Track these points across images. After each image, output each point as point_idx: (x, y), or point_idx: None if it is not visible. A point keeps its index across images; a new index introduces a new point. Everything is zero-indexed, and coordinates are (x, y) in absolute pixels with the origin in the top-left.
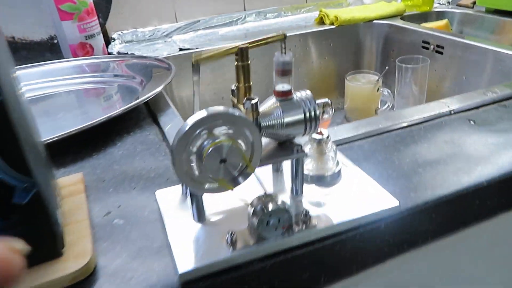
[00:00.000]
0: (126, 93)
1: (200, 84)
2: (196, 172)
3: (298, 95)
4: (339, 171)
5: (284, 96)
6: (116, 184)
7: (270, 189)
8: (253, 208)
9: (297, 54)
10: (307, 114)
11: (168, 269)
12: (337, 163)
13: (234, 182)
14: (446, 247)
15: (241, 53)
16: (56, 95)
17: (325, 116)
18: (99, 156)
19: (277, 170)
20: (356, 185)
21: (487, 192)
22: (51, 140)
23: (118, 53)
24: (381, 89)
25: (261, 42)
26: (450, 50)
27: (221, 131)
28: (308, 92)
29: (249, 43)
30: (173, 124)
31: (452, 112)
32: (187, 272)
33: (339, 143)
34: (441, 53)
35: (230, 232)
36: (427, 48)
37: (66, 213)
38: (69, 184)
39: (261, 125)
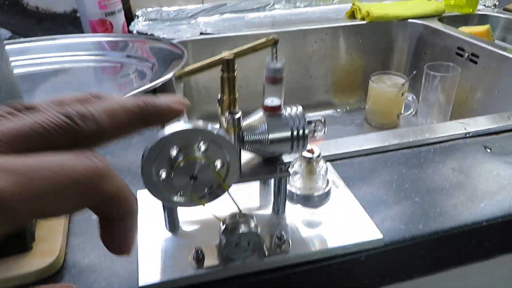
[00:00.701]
0: (135, 76)
1: (215, 70)
2: (166, 185)
3: (288, 111)
4: (328, 192)
5: (272, 112)
6: None
7: (255, 202)
8: (224, 227)
9: (323, 48)
10: (295, 132)
11: (132, 277)
12: (327, 183)
13: (207, 198)
14: (434, 284)
15: (227, 64)
16: (66, 70)
17: (318, 134)
18: None
19: (264, 183)
20: (342, 210)
21: (487, 233)
22: None
23: (138, 32)
24: (406, 94)
25: (249, 50)
26: (485, 60)
27: (196, 146)
28: (300, 108)
29: (236, 53)
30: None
31: (469, 135)
32: (147, 286)
33: (338, 158)
34: (475, 62)
35: (196, 250)
36: (461, 55)
37: None
38: None
39: (245, 139)
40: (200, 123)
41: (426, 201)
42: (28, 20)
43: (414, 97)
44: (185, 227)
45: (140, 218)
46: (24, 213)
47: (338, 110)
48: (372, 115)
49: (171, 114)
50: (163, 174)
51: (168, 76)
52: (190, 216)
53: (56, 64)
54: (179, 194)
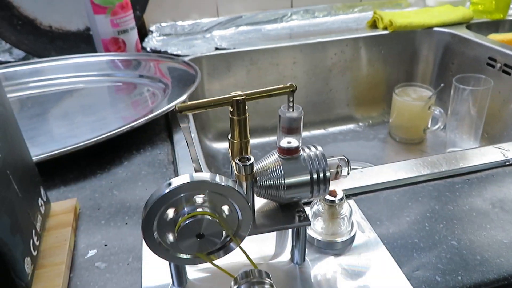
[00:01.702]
0: (147, 99)
1: (230, 80)
2: (170, 241)
3: (307, 151)
4: (353, 238)
5: (289, 155)
6: (110, 215)
7: (271, 249)
8: (236, 286)
9: (344, 60)
10: (315, 176)
11: None
12: (352, 226)
13: (216, 254)
14: None
15: (237, 106)
16: (78, 90)
17: (341, 176)
18: (102, 176)
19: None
20: (369, 260)
21: None
22: (57, 154)
23: (151, 49)
24: (433, 108)
25: (262, 94)
26: None
27: (203, 199)
28: (319, 148)
29: (247, 94)
30: (185, 145)
31: (508, 163)
32: None
33: (362, 191)
34: (509, 73)
35: None
36: (493, 66)
37: (46, 251)
38: (61, 212)
39: (259, 184)
40: (207, 174)
41: (464, 245)
42: (41, 40)
43: (442, 111)
44: (195, 280)
45: (145, 271)
46: None
47: (360, 124)
48: (397, 130)
49: None
50: (167, 234)
51: (181, 99)
52: (200, 266)
53: (69, 84)
54: (186, 252)
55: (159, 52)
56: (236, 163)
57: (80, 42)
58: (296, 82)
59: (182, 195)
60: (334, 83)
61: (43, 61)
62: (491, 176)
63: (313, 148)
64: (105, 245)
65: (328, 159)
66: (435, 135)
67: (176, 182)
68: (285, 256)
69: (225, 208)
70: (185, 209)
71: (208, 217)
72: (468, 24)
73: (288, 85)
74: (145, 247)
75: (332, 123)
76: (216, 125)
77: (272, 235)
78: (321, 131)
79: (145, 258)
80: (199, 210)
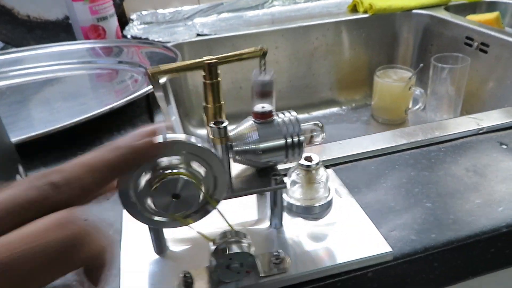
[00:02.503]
0: (128, 83)
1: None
2: (147, 203)
3: (281, 116)
4: (330, 202)
5: (263, 119)
6: None
7: (252, 216)
8: (214, 247)
9: (326, 44)
10: (289, 140)
11: None
12: (329, 191)
13: (193, 217)
14: None
15: (209, 70)
16: (58, 79)
17: (316, 140)
18: None
19: (261, 194)
20: (346, 222)
21: (507, 240)
22: (36, 135)
23: (132, 37)
24: (414, 88)
25: (234, 58)
26: (496, 50)
27: (178, 161)
28: (293, 113)
29: (219, 58)
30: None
31: (482, 131)
32: None
33: (341, 161)
34: (486, 52)
35: (184, 273)
36: (470, 45)
37: None
38: None
39: (234, 149)
40: (182, 135)
41: (438, 207)
42: (19, 29)
43: (423, 91)
44: (174, 247)
45: (125, 239)
46: None
47: (343, 107)
48: (379, 112)
49: (154, 151)
50: (144, 197)
51: (161, 81)
52: (179, 235)
53: (49, 73)
54: (161, 213)
55: (139, 39)
56: (210, 127)
57: (60, 31)
58: (278, 67)
59: (157, 155)
60: (317, 67)
61: (22, 50)
62: (466, 143)
63: (287, 113)
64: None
65: (302, 124)
66: (416, 115)
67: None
68: (265, 223)
69: (201, 170)
70: (161, 170)
71: (184, 177)
72: (446, 6)
73: (259, 48)
74: (124, 218)
75: (315, 107)
76: (200, 112)
77: (252, 205)
78: (304, 115)
79: (125, 230)
80: (175, 171)
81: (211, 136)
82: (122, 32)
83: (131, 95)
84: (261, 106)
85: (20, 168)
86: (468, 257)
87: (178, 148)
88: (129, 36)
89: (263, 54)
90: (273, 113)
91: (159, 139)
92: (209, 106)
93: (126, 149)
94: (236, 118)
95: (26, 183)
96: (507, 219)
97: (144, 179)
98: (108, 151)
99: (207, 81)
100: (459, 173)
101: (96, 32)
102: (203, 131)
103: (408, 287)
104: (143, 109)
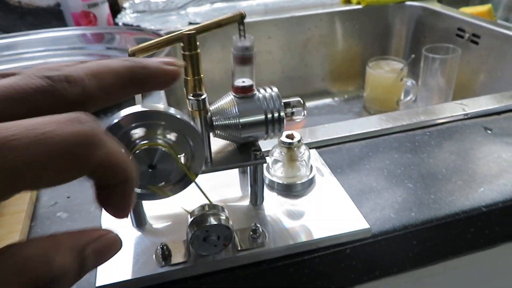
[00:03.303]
0: None
1: (205, 63)
2: None
3: (262, 92)
4: (311, 180)
5: (243, 93)
6: None
7: (235, 193)
8: (191, 220)
9: (319, 34)
10: (269, 116)
11: (91, 277)
12: (311, 170)
13: (172, 189)
14: (429, 276)
15: (188, 41)
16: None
17: (297, 117)
18: None
19: (243, 172)
20: (326, 200)
21: (486, 219)
22: None
23: (124, 24)
24: (405, 79)
25: (213, 25)
26: (487, 41)
27: (155, 131)
28: (275, 89)
29: (196, 28)
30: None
31: (467, 116)
32: (104, 286)
33: (326, 144)
34: (477, 43)
35: (162, 246)
36: (462, 37)
37: (6, 202)
38: None
39: (215, 124)
40: (160, 106)
41: (419, 187)
42: (10, 16)
43: (414, 82)
44: (154, 222)
45: (105, 214)
46: (4, 186)
47: (336, 98)
48: (371, 103)
49: (165, 77)
50: None
51: None
52: (159, 209)
53: (40, 59)
54: (140, 185)
55: (131, 26)
56: (189, 99)
57: (51, 18)
58: (271, 58)
59: (133, 125)
60: (310, 58)
61: (13, 35)
62: (451, 128)
63: (268, 89)
64: (68, 197)
65: (283, 100)
66: (407, 106)
67: (126, 111)
68: (246, 200)
69: (179, 142)
70: (137, 141)
71: (160, 147)
72: None
73: (237, 13)
74: None
75: (308, 97)
76: None
77: (236, 182)
78: None
79: None
80: (151, 141)
81: (189, 109)
82: (114, 20)
83: None
84: (242, 81)
85: None
86: (447, 236)
87: (156, 117)
88: (120, 24)
89: (241, 19)
90: (254, 87)
91: (137, 108)
92: (188, 78)
93: (135, 63)
94: None
95: (34, 71)
96: (487, 199)
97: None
98: (114, 61)
99: (186, 53)
100: (442, 156)
101: (87, 18)
102: None
103: (386, 265)
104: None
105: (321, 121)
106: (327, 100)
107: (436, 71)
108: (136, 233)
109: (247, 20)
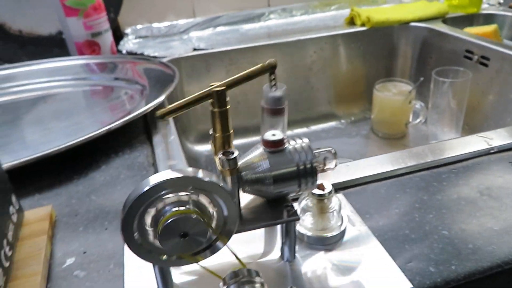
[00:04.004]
0: (124, 101)
1: (211, 82)
2: (153, 242)
3: (292, 143)
4: (343, 232)
5: (274, 147)
6: (89, 220)
7: (260, 248)
8: (225, 287)
9: (323, 57)
10: (301, 168)
11: None
12: (342, 220)
13: (203, 254)
14: None
15: (217, 98)
16: (52, 96)
17: (328, 168)
18: (79, 181)
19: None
20: (361, 253)
21: None
22: (29, 160)
23: (127, 52)
24: (414, 102)
25: (243, 78)
26: (496, 63)
27: (186, 196)
28: (305, 140)
29: (227, 84)
30: (165, 146)
31: (493, 151)
32: None
33: (350, 185)
34: (486, 65)
35: None
36: (470, 59)
37: (19, 262)
38: (35, 221)
39: (244, 179)
40: (189, 170)
41: (455, 235)
42: (11, 45)
43: (423, 104)
44: (180, 283)
45: (128, 274)
46: None
47: (342, 121)
48: (379, 126)
49: None
50: (148, 234)
51: (159, 100)
52: (185, 269)
53: (42, 90)
54: (169, 253)
55: (135, 54)
56: (219, 158)
57: (53, 46)
58: (277, 81)
59: (162, 192)
60: (315, 81)
61: (14, 66)
62: (477, 164)
63: (298, 140)
64: (84, 253)
65: (314, 151)
66: (416, 129)
67: (155, 179)
68: (275, 254)
69: (210, 205)
70: (167, 207)
71: (192, 215)
72: (444, 19)
73: (267, 63)
74: (126, 252)
75: (314, 121)
76: (197, 127)
77: (261, 235)
78: (303, 130)
79: (127, 263)
80: (182, 208)
81: (220, 168)
82: (117, 46)
83: (128, 113)
84: (272, 134)
85: (13, 198)
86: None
87: (185, 183)
88: (124, 51)
89: (272, 68)
90: (285, 141)
91: (166, 175)
92: (217, 135)
93: None
94: (235, 133)
95: None
96: None
97: (149, 216)
98: None
99: (216, 109)
100: (473, 196)
101: (90, 47)
102: (201, 147)
103: None
104: (140, 130)
105: (329, 144)
106: (334, 123)
107: (446, 94)
108: None
109: (250, 44)
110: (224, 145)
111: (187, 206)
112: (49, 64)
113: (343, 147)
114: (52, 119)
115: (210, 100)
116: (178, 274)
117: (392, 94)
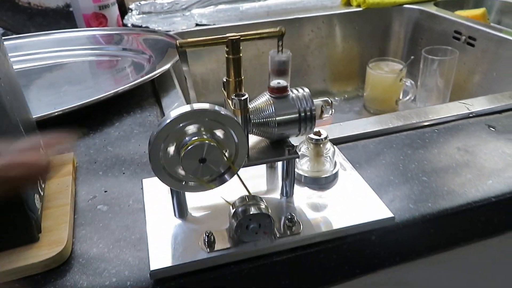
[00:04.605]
0: (132, 69)
1: (212, 63)
2: (174, 169)
3: (295, 92)
4: (336, 174)
5: (279, 93)
6: (107, 167)
7: (263, 186)
8: (234, 210)
9: (320, 36)
10: (302, 114)
11: (142, 264)
12: (335, 165)
13: (216, 182)
14: (443, 261)
15: (232, 45)
16: (62, 65)
17: (325, 116)
18: (95, 135)
19: (271, 167)
20: (351, 192)
21: (495, 209)
22: (47, 117)
23: (133, 25)
24: (404, 80)
25: (255, 36)
26: (482, 43)
27: (203, 128)
28: (306, 90)
29: (241, 35)
30: (175, 106)
31: (472, 115)
32: (159, 270)
33: (343, 141)
34: (473, 45)
35: (207, 233)
36: (458, 39)
37: (49, 196)
38: (59, 164)
39: (252, 122)
40: (206, 105)
41: (433, 180)
42: (20, 16)
43: (413, 82)
44: (194, 212)
45: (148, 206)
46: None
47: (336, 98)
48: (371, 102)
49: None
50: (172, 160)
51: (166, 67)
52: (198, 201)
53: (51, 59)
54: (188, 178)
55: (140, 27)
56: (232, 99)
57: (60, 18)
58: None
59: (183, 123)
60: (311, 59)
61: (24, 36)
62: (457, 126)
63: (300, 90)
64: (105, 191)
65: (314, 100)
66: (406, 106)
67: (176, 112)
68: (276, 193)
69: (224, 137)
70: (187, 138)
71: (209, 142)
72: (436, 2)
73: (278, 29)
74: (145, 187)
75: None
76: (199, 100)
77: (263, 175)
78: None
79: (146, 197)
80: (201, 137)
81: (232, 108)
82: (122, 21)
83: (136, 78)
84: (277, 82)
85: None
86: (461, 225)
87: (203, 115)
88: (129, 25)
89: (281, 35)
90: (288, 88)
91: (186, 108)
92: (230, 80)
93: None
94: None
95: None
96: (496, 191)
97: (173, 145)
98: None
99: (230, 56)
100: (452, 152)
101: (98, 20)
102: None
103: (406, 252)
104: (149, 94)
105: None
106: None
107: (435, 72)
108: (180, 223)
109: (250, 21)
110: (236, 89)
111: (205, 136)
112: (58, 35)
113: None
114: (64, 84)
115: (226, 48)
116: (192, 208)
117: (384, 72)
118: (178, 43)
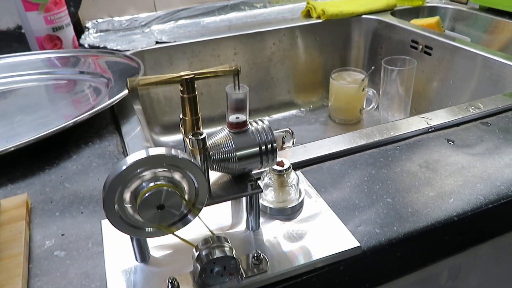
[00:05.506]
0: (90, 93)
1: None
2: (131, 216)
3: (254, 125)
4: (301, 203)
5: (238, 128)
6: (64, 206)
7: (228, 220)
8: (198, 253)
9: (282, 48)
10: (263, 147)
11: None
12: (300, 193)
13: (177, 225)
14: (411, 283)
15: (186, 84)
16: (14, 91)
17: (286, 146)
18: (51, 171)
19: (236, 200)
20: (317, 221)
21: (458, 227)
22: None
23: (90, 46)
24: (366, 89)
25: (210, 74)
26: (438, 52)
27: (161, 173)
28: (266, 122)
29: (196, 74)
30: (135, 134)
31: (431, 129)
32: None
33: (307, 163)
34: (430, 54)
35: (170, 279)
36: (416, 48)
37: (1, 245)
38: (11, 208)
39: (212, 158)
40: (163, 149)
41: (397, 201)
42: None
43: (375, 91)
44: (156, 253)
45: (107, 250)
46: None
47: (302, 109)
48: (336, 112)
49: None
50: (128, 207)
51: (126, 92)
52: (160, 242)
53: (4, 85)
54: (146, 224)
55: (98, 48)
56: (189, 138)
57: (12, 41)
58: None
59: (139, 170)
60: (275, 71)
61: None
62: (417, 141)
63: (260, 122)
64: (62, 235)
65: (274, 132)
66: (370, 114)
67: (132, 158)
68: (241, 226)
69: (183, 180)
70: (144, 183)
71: (167, 188)
72: (393, 11)
73: (233, 68)
74: (104, 229)
75: (275, 109)
76: (162, 119)
77: (228, 210)
78: (265, 118)
79: (106, 240)
80: (158, 183)
81: (190, 148)
82: (78, 41)
83: (93, 106)
84: (235, 117)
85: None
86: (426, 246)
87: (160, 161)
88: (86, 45)
89: (237, 73)
90: (247, 123)
91: (141, 154)
92: (187, 118)
93: None
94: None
95: None
96: (457, 209)
97: (128, 193)
98: None
99: (185, 95)
100: (414, 169)
101: (52, 42)
102: (166, 138)
103: (375, 277)
104: (108, 121)
105: None
106: (294, 111)
107: (395, 81)
108: (142, 267)
109: (213, 37)
110: (194, 128)
111: (163, 181)
112: (10, 59)
113: (303, 134)
114: (17, 113)
115: (180, 87)
116: (154, 247)
117: (347, 82)
118: (128, 86)
